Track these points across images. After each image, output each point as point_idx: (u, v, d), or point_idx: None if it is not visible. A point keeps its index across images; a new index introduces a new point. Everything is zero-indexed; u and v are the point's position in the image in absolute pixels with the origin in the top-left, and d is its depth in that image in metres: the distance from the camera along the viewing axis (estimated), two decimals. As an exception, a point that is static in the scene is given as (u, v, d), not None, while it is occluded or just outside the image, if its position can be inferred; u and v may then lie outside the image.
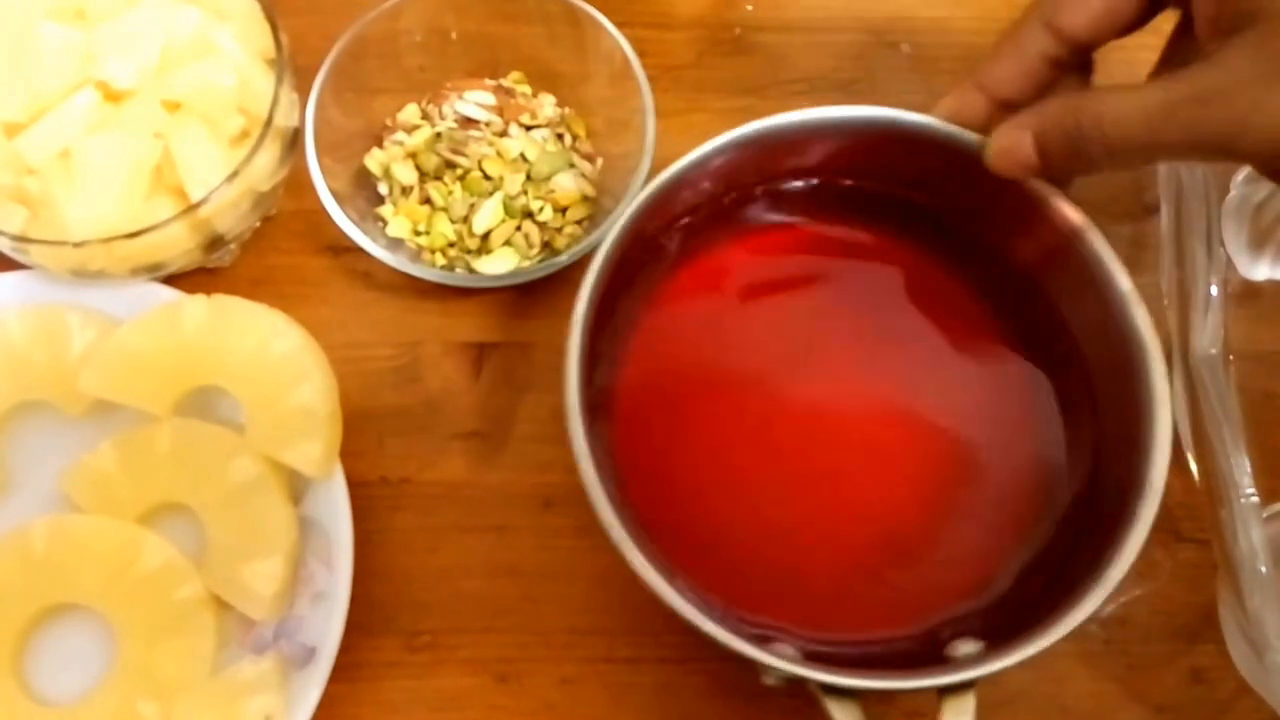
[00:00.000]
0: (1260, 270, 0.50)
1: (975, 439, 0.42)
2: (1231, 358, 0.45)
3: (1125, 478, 0.38)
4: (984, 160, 0.39)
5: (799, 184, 0.45)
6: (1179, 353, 0.45)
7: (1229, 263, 0.49)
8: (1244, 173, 0.50)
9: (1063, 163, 0.37)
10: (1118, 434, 0.39)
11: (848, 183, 0.44)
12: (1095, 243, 0.40)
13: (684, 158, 0.41)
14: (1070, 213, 0.40)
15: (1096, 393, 0.41)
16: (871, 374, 0.43)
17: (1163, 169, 0.49)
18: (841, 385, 0.42)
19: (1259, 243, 0.49)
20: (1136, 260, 0.50)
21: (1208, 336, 0.45)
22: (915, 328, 0.43)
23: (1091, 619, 0.35)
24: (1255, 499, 0.42)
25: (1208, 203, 0.46)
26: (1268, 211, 0.49)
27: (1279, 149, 0.33)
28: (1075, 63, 0.39)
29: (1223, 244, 0.48)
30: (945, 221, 0.44)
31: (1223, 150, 0.35)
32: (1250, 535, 0.41)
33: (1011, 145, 0.38)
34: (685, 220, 0.44)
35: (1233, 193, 0.49)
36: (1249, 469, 0.42)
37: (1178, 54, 0.39)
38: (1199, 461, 0.44)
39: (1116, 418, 0.40)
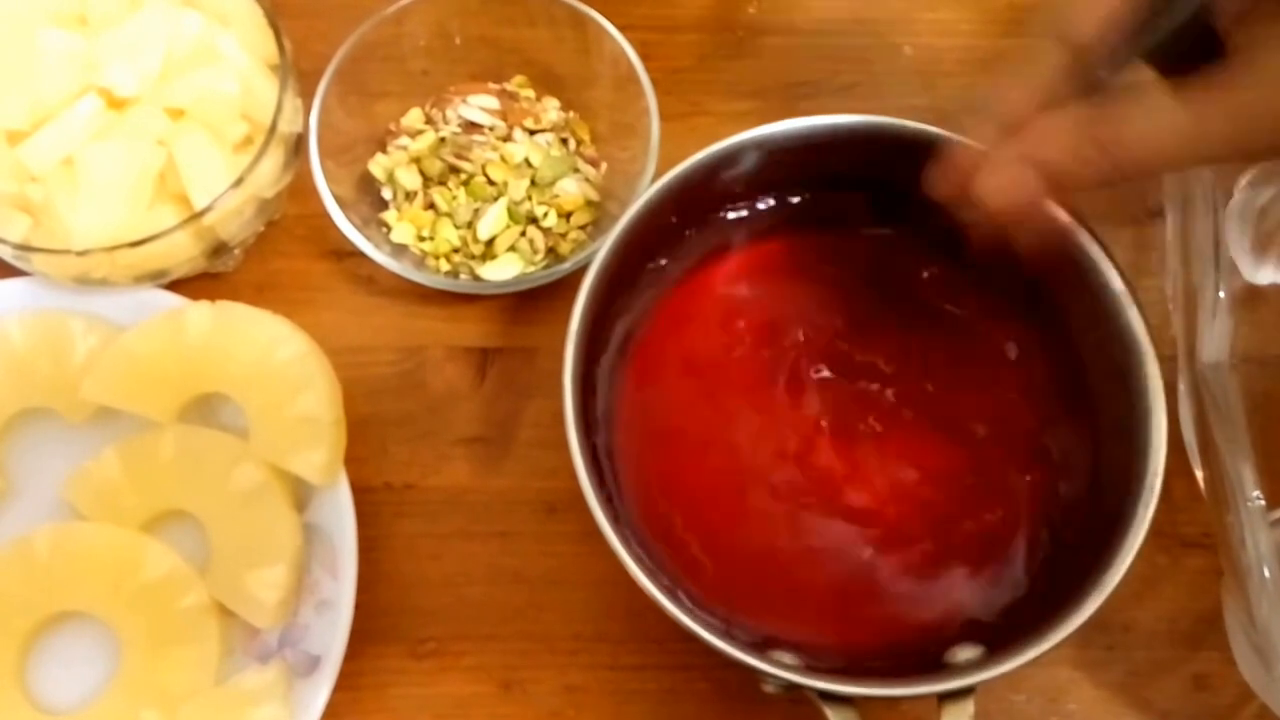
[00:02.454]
0: (1264, 274, 0.49)
1: (975, 445, 0.42)
2: (1235, 361, 0.45)
3: (1123, 480, 0.38)
4: (972, 193, 0.34)
5: (796, 190, 0.44)
6: (1185, 357, 0.45)
7: (1233, 267, 0.49)
8: (1247, 176, 0.49)
9: (1074, 188, 0.33)
10: (1115, 436, 0.39)
11: (843, 190, 0.44)
12: (1084, 243, 0.39)
13: (683, 164, 0.41)
14: (1057, 213, 0.39)
15: (1094, 395, 0.41)
16: (872, 380, 0.42)
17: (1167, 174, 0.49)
18: (842, 393, 0.42)
19: (1263, 246, 0.49)
20: (1141, 263, 0.50)
21: (1214, 341, 0.44)
22: (914, 333, 0.43)
23: (1094, 625, 0.35)
24: (1261, 503, 0.42)
25: (1214, 206, 0.46)
26: (1271, 215, 0.49)
27: None
28: (1086, 82, 0.33)
29: (1227, 247, 0.48)
30: (938, 224, 0.44)
31: (1277, 153, 0.31)
32: (1257, 540, 0.41)
33: (1012, 181, 0.33)
34: (686, 226, 0.44)
35: (1236, 196, 0.49)
36: (1255, 472, 0.42)
37: (1185, 37, 0.32)
38: (1204, 467, 0.44)
39: (1114, 420, 0.40)
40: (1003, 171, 0.33)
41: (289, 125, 0.47)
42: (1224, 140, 0.29)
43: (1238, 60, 0.29)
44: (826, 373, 0.42)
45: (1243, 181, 0.49)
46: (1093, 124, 0.31)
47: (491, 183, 0.50)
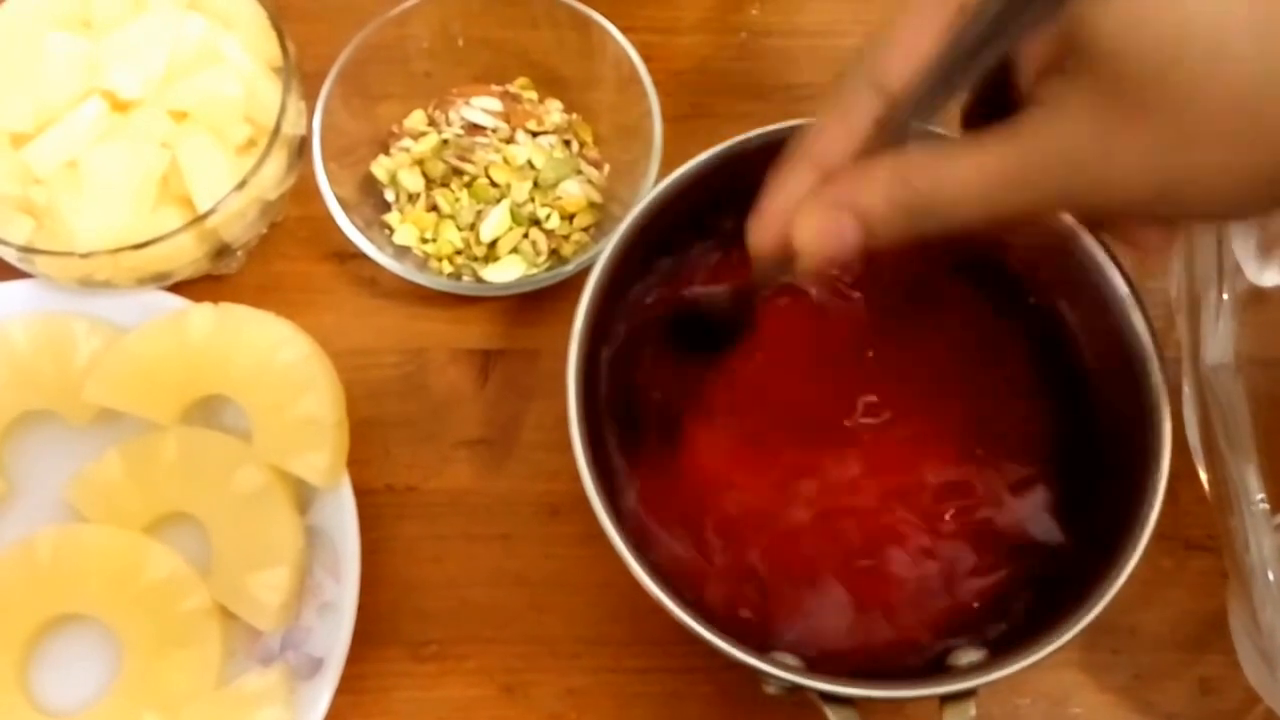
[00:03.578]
0: (1269, 276, 0.49)
1: (979, 447, 0.42)
2: (1240, 363, 0.44)
3: (1127, 483, 0.38)
4: (789, 249, 0.33)
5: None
6: (1189, 360, 0.45)
7: (1238, 269, 0.49)
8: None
9: (891, 238, 0.32)
10: (1120, 439, 0.39)
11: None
12: (1089, 246, 0.39)
13: (687, 165, 0.41)
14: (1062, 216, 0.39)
15: (1098, 397, 0.41)
16: (875, 383, 0.42)
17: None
18: (846, 394, 0.42)
19: (1268, 248, 0.49)
20: (1144, 266, 0.49)
21: (1218, 344, 0.44)
22: (918, 340, 0.43)
23: (1099, 628, 0.35)
24: (1266, 506, 0.41)
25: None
26: (1277, 217, 0.49)
27: (1135, 198, 0.29)
28: (897, 132, 0.32)
29: (1231, 249, 0.47)
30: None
31: (1074, 207, 0.32)
32: (1261, 543, 0.41)
33: (828, 226, 0.32)
34: (689, 227, 0.44)
35: (1242, 198, 0.49)
36: (1259, 476, 0.42)
37: (991, 96, 0.33)
38: (1209, 469, 0.44)
39: (1118, 422, 0.40)
40: (819, 216, 0.32)
41: (292, 128, 0.47)
42: (1021, 184, 0.30)
43: (1033, 111, 0.30)
44: (830, 375, 0.42)
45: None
46: (905, 168, 0.31)
47: (494, 184, 0.50)
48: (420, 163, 0.51)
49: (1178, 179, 0.28)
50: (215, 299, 0.46)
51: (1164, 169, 0.28)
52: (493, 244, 0.49)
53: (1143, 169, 0.28)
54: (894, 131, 0.32)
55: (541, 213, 0.50)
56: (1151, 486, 0.37)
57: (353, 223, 0.48)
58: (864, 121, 0.32)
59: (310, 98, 0.48)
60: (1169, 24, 0.27)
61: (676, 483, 0.41)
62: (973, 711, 0.35)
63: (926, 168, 0.31)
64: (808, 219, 0.32)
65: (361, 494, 0.44)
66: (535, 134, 0.52)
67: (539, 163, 0.50)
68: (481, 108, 0.52)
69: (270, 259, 0.51)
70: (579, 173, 0.51)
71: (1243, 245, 0.49)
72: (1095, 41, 0.28)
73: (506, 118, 0.52)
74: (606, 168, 0.52)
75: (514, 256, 0.49)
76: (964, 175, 0.30)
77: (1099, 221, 0.36)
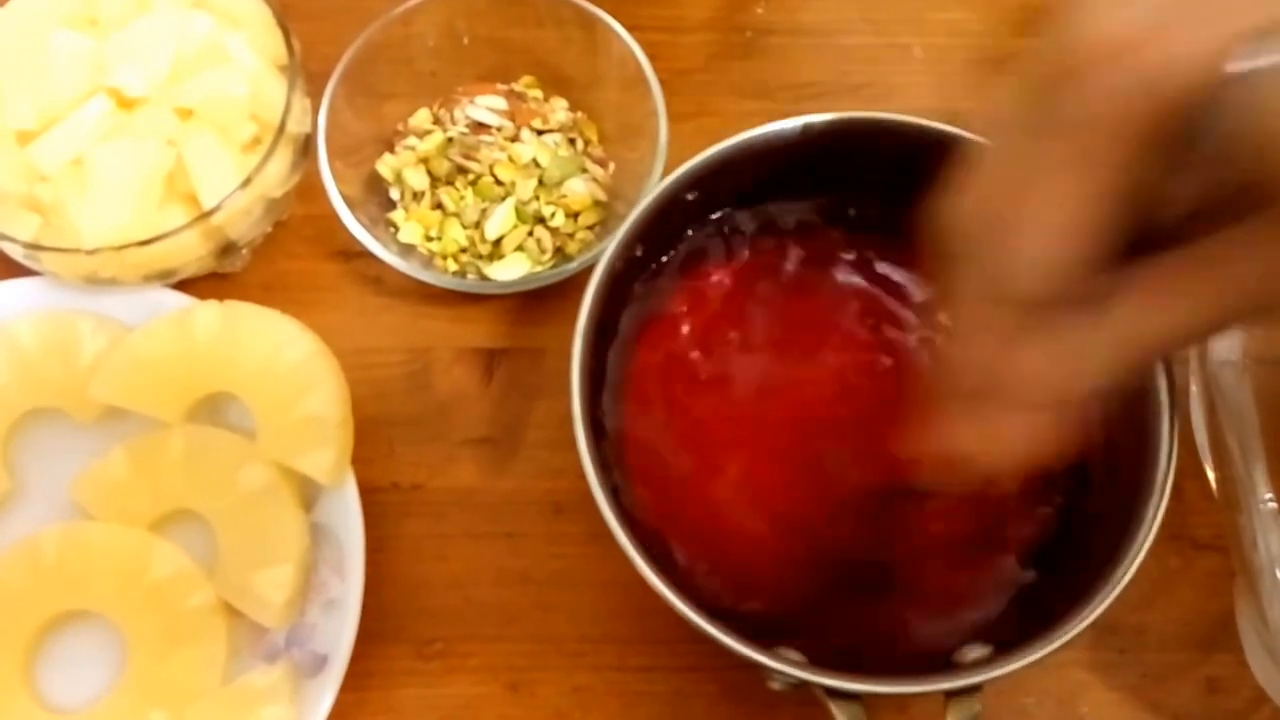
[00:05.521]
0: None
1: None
2: (1247, 362, 0.44)
3: (1134, 480, 0.38)
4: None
5: (803, 191, 0.44)
6: (1196, 357, 0.45)
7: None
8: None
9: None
10: (1126, 437, 0.39)
11: (850, 190, 0.44)
12: None
13: (690, 162, 0.41)
14: None
15: (1105, 395, 0.41)
16: (880, 379, 0.42)
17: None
18: (851, 392, 0.42)
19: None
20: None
21: (1226, 341, 0.44)
22: (921, 332, 0.43)
23: (1106, 627, 0.35)
24: (1274, 504, 0.41)
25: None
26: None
27: None
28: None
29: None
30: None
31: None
32: (1269, 542, 0.41)
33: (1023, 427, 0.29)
34: (693, 226, 0.44)
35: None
36: (1267, 474, 0.42)
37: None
38: (1216, 468, 0.44)
39: (1125, 420, 0.39)
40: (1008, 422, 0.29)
41: (297, 126, 0.47)
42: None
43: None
44: (834, 372, 0.42)
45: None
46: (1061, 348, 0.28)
47: (499, 183, 0.50)
48: (425, 161, 0.51)
49: None
50: (220, 297, 0.46)
51: None
52: (497, 242, 0.49)
53: None
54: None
55: (546, 211, 0.50)
56: (1158, 485, 0.37)
57: (358, 221, 0.48)
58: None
59: (315, 96, 0.48)
60: None
61: (680, 480, 0.41)
62: (977, 707, 0.35)
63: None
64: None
65: (366, 492, 0.44)
66: (540, 132, 0.52)
67: (544, 161, 0.50)
68: (486, 106, 0.52)
69: (275, 257, 0.51)
70: (584, 171, 0.51)
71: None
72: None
73: (511, 116, 0.52)
74: (611, 166, 0.52)
75: (519, 254, 0.49)
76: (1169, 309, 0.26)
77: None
